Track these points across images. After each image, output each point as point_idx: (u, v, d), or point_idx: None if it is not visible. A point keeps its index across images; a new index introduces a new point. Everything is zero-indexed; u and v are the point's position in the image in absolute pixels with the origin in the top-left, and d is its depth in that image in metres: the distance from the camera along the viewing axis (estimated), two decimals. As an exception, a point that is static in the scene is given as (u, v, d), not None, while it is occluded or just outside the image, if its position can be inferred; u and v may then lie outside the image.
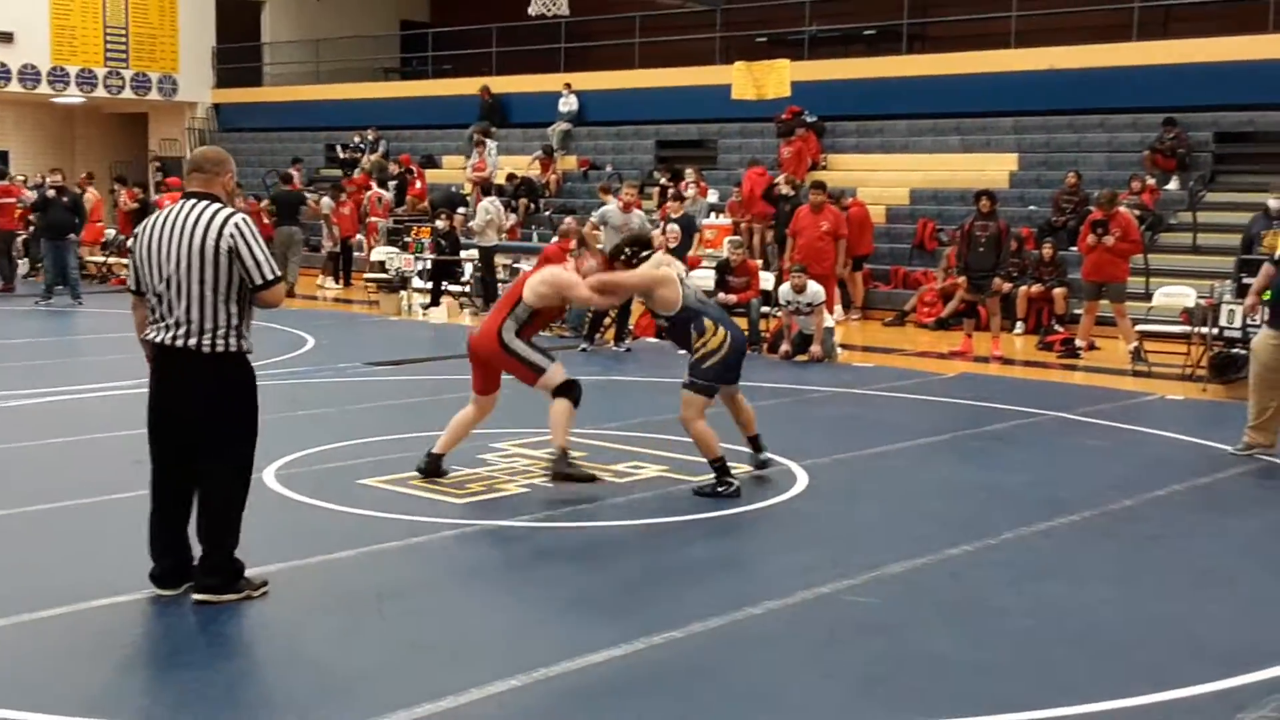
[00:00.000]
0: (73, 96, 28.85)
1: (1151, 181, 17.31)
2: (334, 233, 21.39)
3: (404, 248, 19.17)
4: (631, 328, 14.19)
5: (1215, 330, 11.84)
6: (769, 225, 17.84)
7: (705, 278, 14.27)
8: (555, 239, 15.04)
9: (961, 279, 14.10)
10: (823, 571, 5.84)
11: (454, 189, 22.70)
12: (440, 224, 18.39)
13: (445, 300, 18.10)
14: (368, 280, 19.30)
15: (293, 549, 5.99)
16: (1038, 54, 19.59)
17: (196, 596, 5.22)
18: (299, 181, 22.39)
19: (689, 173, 19.85)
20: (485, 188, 20.10)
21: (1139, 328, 13.14)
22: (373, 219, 21.87)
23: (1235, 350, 11.46)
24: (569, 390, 7.27)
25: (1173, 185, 17.61)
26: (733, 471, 7.30)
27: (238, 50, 30.96)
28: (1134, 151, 18.30)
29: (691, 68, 23.33)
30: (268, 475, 7.23)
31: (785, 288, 13.28)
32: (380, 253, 19.81)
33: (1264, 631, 5.24)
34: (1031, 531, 6.66)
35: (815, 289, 13.05)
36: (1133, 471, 8.17)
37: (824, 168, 20.16)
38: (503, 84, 25.80)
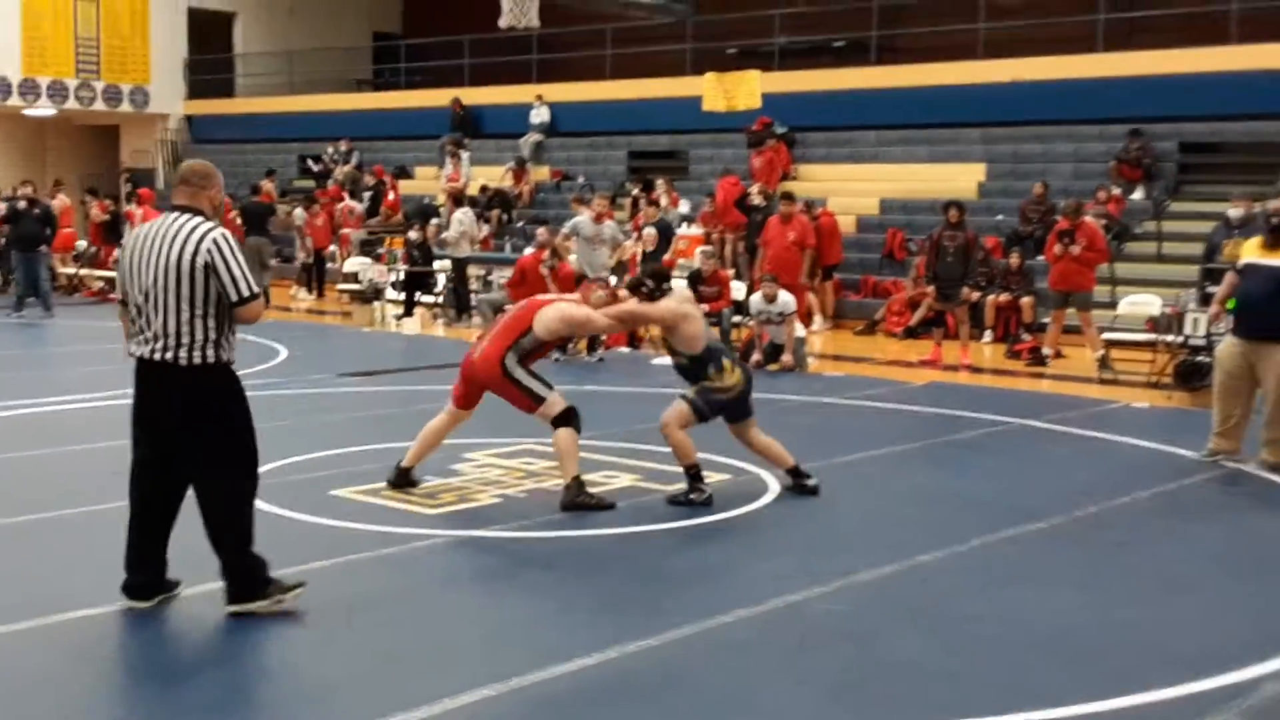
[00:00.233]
0: (44, 109, 28.65)
1: (1117, 191, 17.46)
2: (307, 244, 21.36)
3: (377, 259, 19.16)
4: (604, 338, 14.22)
5: (1180, 338, 11.95)
6: (741, 235, 17.93)
7: (677, 287, 14.30)
8: (530, 249, 15.10)
9: (930, 288, 14.20)
10: (794, 579, 5.87)
11: (427, 200, 22.70)
12: (414, 235, 18.38)
13: (419, 311, 18.09)
14: (341, 291, 19.27)
15: (266, 560, 5.98)
16: (1005, 65, 19.74)
17: (229, 608, 5.22)
18: (272, 193, 22.35)
19: (660, 183, 19.93)
20: (457, 199, 20.11)
21: (1105, 336, 13.26)
22: (344, 230, 21.85)
23: (1200, 358, 11.58)
24: (569, 419, 7.21)
25: (1138, 195, 17.78)
26: (705, 480, 7.35)
27: (210, 62, 30.84)
28: (1100, 162, 18.46)
29: (662, 79, 23.38)
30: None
31: (756, 297, 13.35)
32: (353, 264, 19.77)
33: (1230, 636, 5.30)
34: (1000, 538, 6.72)
35: (786, 299, 13.12)
36: (1100, 478, 8.25)
37: (794, 178, 20.26)
38: (475, 95, 25.80)
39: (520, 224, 21.89)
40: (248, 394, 5.36)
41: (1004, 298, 15.59)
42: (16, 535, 6.53)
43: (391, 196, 23.35)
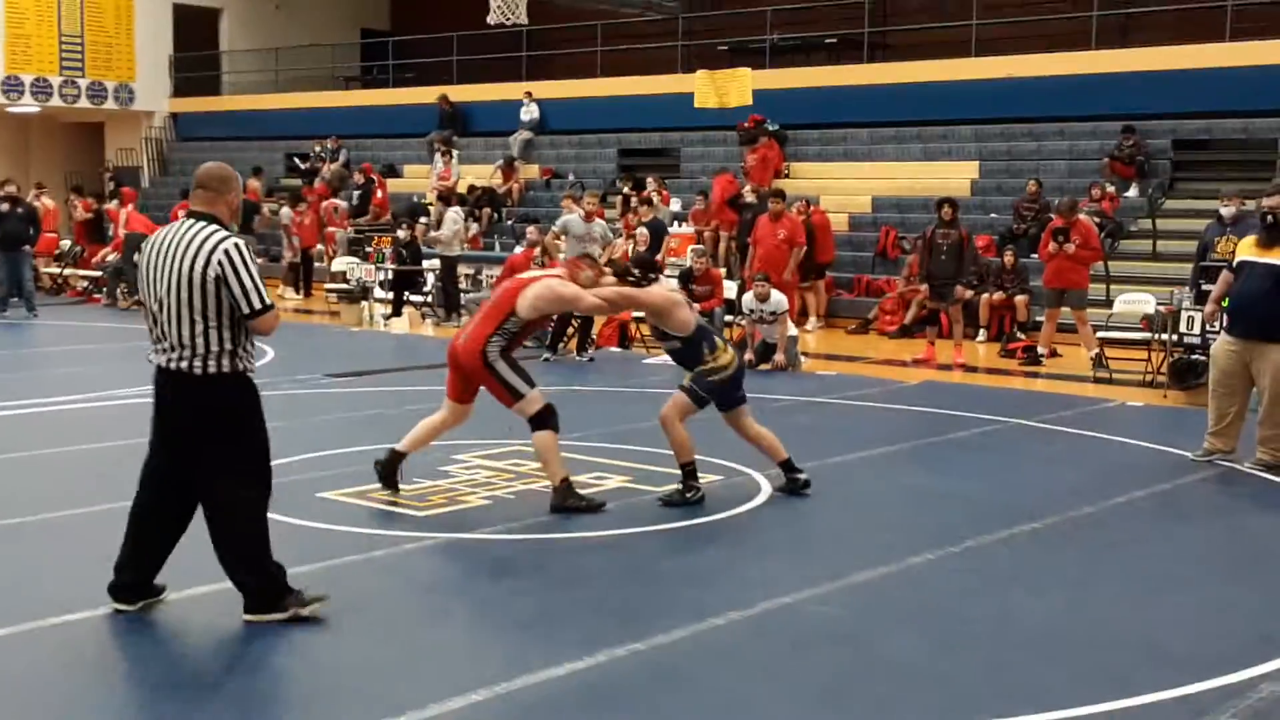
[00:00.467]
0: (28, 106, 28.53)
1: (1111, 189, 17.43)
2: (294, 243, 21.25)
3: (365, 258, 19.06)
4: (594, 338, 14.15)
5: (1175, 337, 11.91)
6: (734, 233, 17.87)
7: (668, 286, 14.25)
8: (521, 247, 15.02)
9: (923, 287, 14.14)
10: (785, 581, 5.81)
11: (416, 198, 22.61)
12: (402, 234, 18.29)
13: (407, 310, 18.00)
14: (328, 290, 19.15)
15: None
16: (998, 62, 19.73)
17: (245, 616, 5.14)
18: (259, 191, 22.23)
19: (650, 181, 19.85)
20: (446, 197, 20.00)
21: (1100, 334, 13.21)
22: (330, 229, 21.74)
23: (1195, 356, 11.53)
24: (547, 419, 7.07)
25: (1132, 193, 17.75)
26: (700, 479, 7.29)
27: (195, 59, 30.73)
28: (1093, 159, 18.44)
29: (653, 76, 23.33)
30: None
31: (748, 297, 13.28)
32: (341, 263, 19.68)
33: (1225, 637, 5.26)
34: (993, 539, 6.66)
35: (779, 298, 13.05)
36: (1094, 478, 8.20)
37: (787, 176, 20.20)
38: (464, 92, 25.72)
39: (510, 222, 21.82)
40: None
41: (998, 296, 15.55)
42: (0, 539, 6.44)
43: (380, 195, 23.24)
